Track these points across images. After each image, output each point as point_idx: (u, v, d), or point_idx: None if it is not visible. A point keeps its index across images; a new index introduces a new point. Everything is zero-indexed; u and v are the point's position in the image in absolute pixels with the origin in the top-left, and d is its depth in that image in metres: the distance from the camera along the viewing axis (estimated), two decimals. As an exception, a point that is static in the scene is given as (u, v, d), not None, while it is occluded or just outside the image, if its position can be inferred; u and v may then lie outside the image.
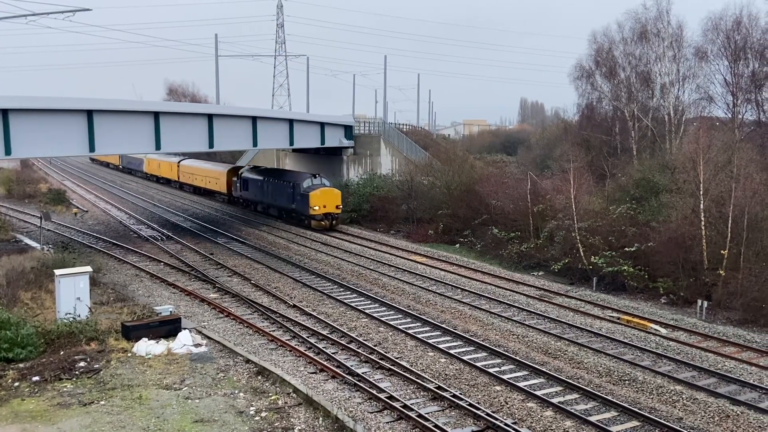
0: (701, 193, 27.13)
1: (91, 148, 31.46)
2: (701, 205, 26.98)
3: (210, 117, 37.89)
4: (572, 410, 15.36)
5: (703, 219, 26.76)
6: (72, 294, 20.39)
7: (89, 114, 31.10)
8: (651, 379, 17.59)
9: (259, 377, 17.02)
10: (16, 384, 16.24)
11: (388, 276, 29.60)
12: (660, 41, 46.38)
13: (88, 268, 22.03)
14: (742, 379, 17.70)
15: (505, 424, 14.31)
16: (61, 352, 18.19)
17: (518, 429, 14.20)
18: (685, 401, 16.23)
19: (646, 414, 15.23)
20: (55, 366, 17.17)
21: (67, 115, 30.56)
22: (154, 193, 64.53)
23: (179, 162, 66.07)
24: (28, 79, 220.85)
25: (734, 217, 26.11)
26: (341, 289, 27.21)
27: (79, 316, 19.98)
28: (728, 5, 59.39)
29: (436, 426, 14.21)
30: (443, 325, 22.07)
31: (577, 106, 52.29)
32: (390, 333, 21.42)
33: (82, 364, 17.43)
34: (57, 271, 21.01)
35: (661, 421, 14.89)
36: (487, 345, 20.06)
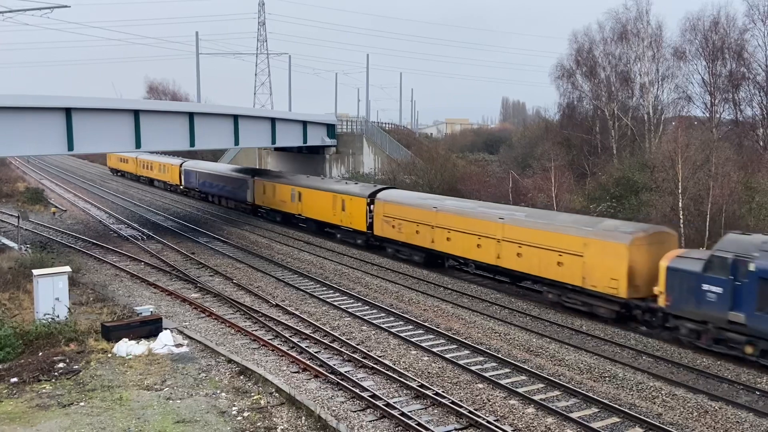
0: (680, 191, 27.50)
1: (70, 147, 31.12)
2: (680, 204, 27.37)
3: (191, 115, 37.65)
4: (554, 407, 15.47)
5: (681, 217, 27.13)
6: (51, 294, 20.12)
7: (68, 112, 30.75)
8: (631, 376, 17.79)
9: (242, 377, 16.94)
10: (-6, 386, 16.01)
11: (371, 275, 29.59)
12: (639, 41, 46.91)
13: (67, 268, 21.75)
14: (720, 374, 17.96)
15: (487, 422, 14.38)
16: (40, 354, 17.95)
17: (500, 426, 14.28)
18: (664, 397, 16.43)
19: (626, 410, 15.39)
20: (33, 367, 16.94)
21: (45, 113, 30.18)
22: (135, 192, 63.90)
23: (373, 196, 34.04)
24: (5, 77, 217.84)
25: (712, 215, 26.52)
26: (324, 288, 27.16)
27: (58, 316, 19.72)
28: (706, 5, 60.31)
29: (419, 424, 14.24)
30: (426, 324, 22.12)
31: (558, 106, 52.87)
32: (373, 332, 21.43)
33: (61, 365, 17.22)
34: (35, 272, 20.73)
35: (642, 417, 15.06)
36: (469, 343, 20.15)
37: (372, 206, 33.78)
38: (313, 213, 39.34)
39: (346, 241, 36.27)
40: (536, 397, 16.08)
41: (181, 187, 59.96)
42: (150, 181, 69.50)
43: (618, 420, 15.11)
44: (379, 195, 33.81)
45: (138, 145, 34.35)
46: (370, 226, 34.00)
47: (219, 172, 52.87)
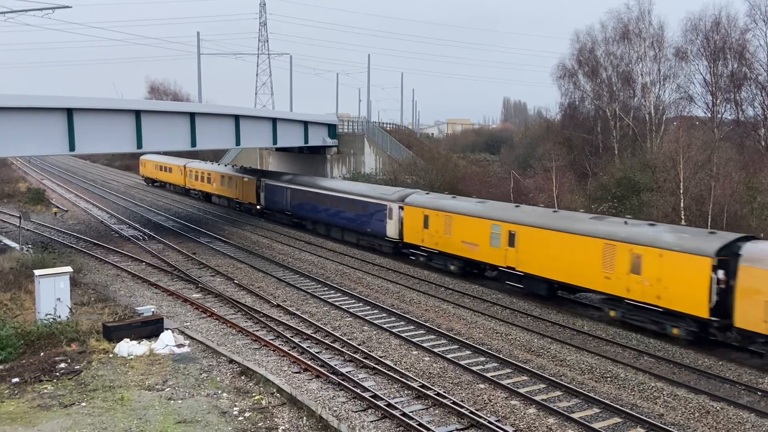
0: (681, 191, 27.47)
1: (71, 147, 31.17)
2: (681, 204, 27.34)
3: (192, 115, 37.68)
4: (555, 407, 15.45)
5: (683, 217, 27.10)
6: (52, 294, 20.13)
7: (69, 112, 30.79)
8: (632, 376, 17.77)
9: (243, 377, 16.94)
10: (-5, 386, 16.02)
11: (372, 275, 29.58)
12: (641, 41, 46.94)
13: (69, 269, 21.77)
14: (722, 375, 17.94)
15: (489, 422, 14.37)
16: (42, 354, 17.97)
17: (502, 427, 14.26)
18: (666, 397, 16.42)
19: (627, 410, 15.37)
20: (35, 367, 16.95)
21: (46, 114, 30.22)
22: (136, 192, 63.94)
23: (730, 253, 19.11)
24: (6, 77, 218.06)
25: (714, 215, 26.48)
26: (325, 289, 27.15)
27: (59, 316, 19.74)
28: (707, 6, 60.37)
29: (420, 424, 14.22)
30: (427, 324, 22.11)
31: (560, 106, 52.93)
32: (374, 332, 21.42)
33: (62, 365, 17.23)
34: (37, 272, 20.73)
35: (643, 417, 15.04)
36: (470, 343, 20.13)
37: (722, 272, 18.88)
38: (545, 268, 24.40)
39: (630, 323, 21.75)
40: (538, 398, 16.06)
41: (259, 207, 46.34)
42: (206, 197, 56.65)
43: (619, 420, 15.09)
44: (750, 251, 18.75)
45: (139, 145, 34.41)
46: (720, 308, 19.07)
47: (332, 191, 37.43)
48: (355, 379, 16.92)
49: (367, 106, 72.60)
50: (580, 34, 50.06)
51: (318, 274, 29.68)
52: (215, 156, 68.63)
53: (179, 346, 19.13)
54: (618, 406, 15.59)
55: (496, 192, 38.15)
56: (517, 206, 27.99)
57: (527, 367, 18.10)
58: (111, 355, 18.25)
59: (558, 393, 16.60)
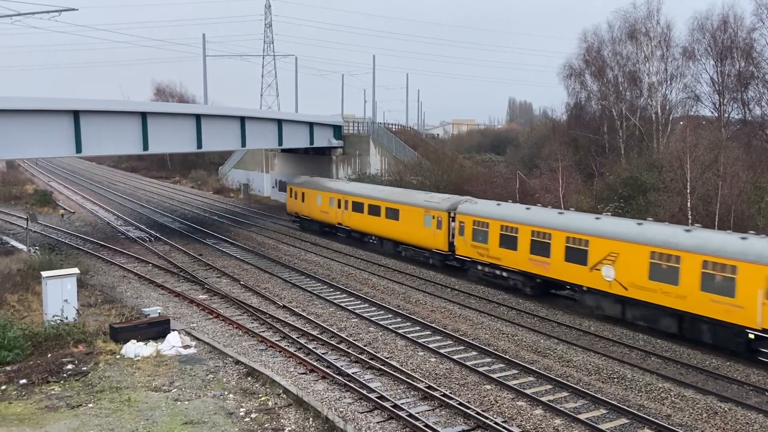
0: (688, 191, 27.35)
1: (78, 149, 31.32)
2: (688, 204, 27.22)
3: (198, 117, 37.80)
4: (562, 408, 15.40)
5: (690, 217, 26.98)
6: (59, 296, 20.22)
7: (76, 114, 30.93)
8: (640, 377, 17.70)
9: (249, 378, 16.96)
10: (3, 387, 16.09)
11: (378, 276, 29.58)
12: (648, 41, 46.70)
13: (76, 270, 21.84)
14: (730, 375, 17.85)
15: (495, 423, 14.33)
16: (49, 355, 18.04)
17: (508, 428, 14.23)
18: (673, 398, 16.34)
19: (635, 411, 15.31)
20: (42, 369, 17.02)
21: (53, 116, 30.38)
22: (142, 194, 64.11)
23: None
24: (13, 79, 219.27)
25: (721, 215, 26.36)
26: (331, 290, 27.16)
27: (66, 318, 19.82)
28: (714, 5, 59.93)
29: (426, 425, 14.20)
30: (433, 325, 22.08)
31: (566, 105, 52.67)
32: (380, 333, 21.41)
33: (69, 366, 17.29)
34: (44, 273, 20.82)
35: (650, 418, 14.97)
36: (476, 344, 20.09)
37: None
38: None
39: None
40: (544, 399, 16.01)
41: None
42: (549, 288, 25.59)
43: (627, 421, 15.03)
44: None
45: (145, 147, 34.54)
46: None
47: None
48: (361, 380, 16.91)
49: (373, 106, 72.63)
50: (587, 33, 49.86)
51: (324, 275, 29.70)
52: (221, 158, 68.53)
53: (185, 347, 19.17)
54: (625, 407, 15.53)
55: (502, 192, 38.04)
56: None
57: (534, 368, 18.05)
58: (118, 356, 18.31)
59: (565, 394, 16.54)
